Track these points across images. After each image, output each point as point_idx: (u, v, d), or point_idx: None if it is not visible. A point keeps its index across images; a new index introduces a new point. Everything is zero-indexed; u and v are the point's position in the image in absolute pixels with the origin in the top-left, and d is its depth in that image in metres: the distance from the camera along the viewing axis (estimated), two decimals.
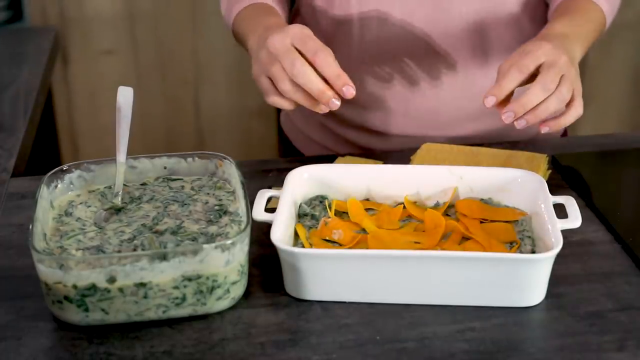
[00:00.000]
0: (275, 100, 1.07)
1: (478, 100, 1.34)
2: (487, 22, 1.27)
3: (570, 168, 1.21)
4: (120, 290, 0.89)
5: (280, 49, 1.04)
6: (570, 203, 1.02)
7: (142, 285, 0.90)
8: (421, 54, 1.28)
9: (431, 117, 1.32)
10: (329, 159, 1.25)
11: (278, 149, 2.70)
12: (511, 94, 1.05)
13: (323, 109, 1.04)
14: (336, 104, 1.03)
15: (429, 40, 1.27)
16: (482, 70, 1.30)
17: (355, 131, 1.36)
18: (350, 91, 1.02)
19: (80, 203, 1.04)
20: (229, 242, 0.91)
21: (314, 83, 1.02)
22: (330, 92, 1.02)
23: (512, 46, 1.28)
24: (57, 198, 1.03)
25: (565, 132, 1.46)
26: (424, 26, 1.26)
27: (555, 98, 1.03)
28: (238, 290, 0.94)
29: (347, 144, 1.38)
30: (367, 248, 0.98)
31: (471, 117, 1.33)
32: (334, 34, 1.30)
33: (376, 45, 1.28)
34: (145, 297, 0.90)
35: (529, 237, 1.00)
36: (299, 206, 1.05)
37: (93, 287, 0.89)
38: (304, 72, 1.02)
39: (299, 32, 1.05)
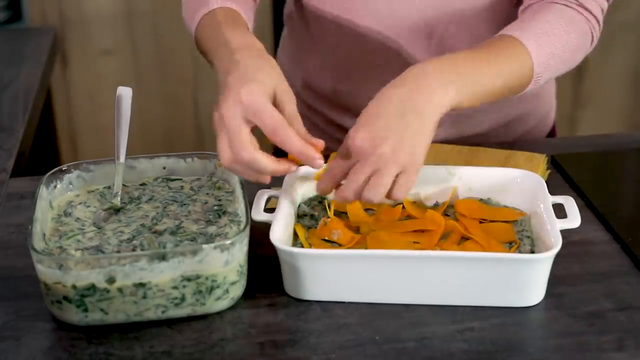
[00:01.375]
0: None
1: None
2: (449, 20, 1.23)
3: (570, 168, 1.21)
4: (120, 290, 0.89)
5: (228, 125, 0.92)
6: (570, 203, 1.02)
7: (141, 285, 0.89)
8: (396, 58, 1.27)
9: None
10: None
11: (277, 149, 2.72)
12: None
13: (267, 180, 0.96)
14: (294, 170, 0.96)
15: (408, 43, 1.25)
16: None
17: (340, 129, 1.36)
18: (318, 163, 0.94)
19: (80, 203, 1.04)
20: (228, 242, 0.91)
21: (265, 169, 0.93)
22: (279, 170, 0.95)
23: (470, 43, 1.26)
24: (56, 198, 1.03)
25: (553, 129, 1.45)
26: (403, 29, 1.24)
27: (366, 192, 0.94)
28: (237, 291, 0.94)
29: (334, 141, 1.38)
30: (367, 248, 0.97)
31: (471, 115, 1.33)
32: (338, 40, 1.30)
33: (361, 52, 1.28)
34: (144, 297, 0.90)
35: (528, 237, 1.00)
36: (298, 206, 1.05)
37: (92, 287, 0.89)
38: (252, 161, 0.92)
39: (252, 103, 0.92)
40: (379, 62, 1.27)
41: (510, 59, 1.02)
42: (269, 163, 0.93)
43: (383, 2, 1.23)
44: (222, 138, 0.93)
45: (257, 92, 0.92)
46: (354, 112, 1.08)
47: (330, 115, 1.37)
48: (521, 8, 1.15)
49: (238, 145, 0.92)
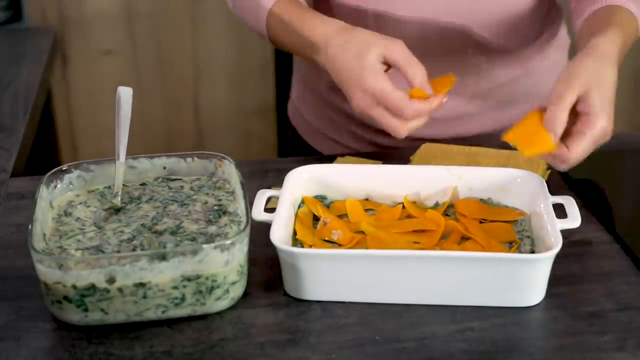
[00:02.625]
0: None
1: (477, 99, 1.34)
2: (491, 22, 1.27)
3: (570, 168, 1.21)
4: (120, 290, 0.89)
5: (377, 92, 1.06)
6: (570, 203, 1.02)
7: (141, 285, 0.89)
8: (427, 53, 1.28)
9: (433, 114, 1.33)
10: (329, 159, 1.25)
11: (277, 149, 2.72)
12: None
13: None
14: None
15: (440, 39, 1.27)
16: (479, 71, 1.30)
17: (362, 127, 1.36)
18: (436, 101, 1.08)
19: (80, 203, 1.04)
20: (228, 242, 0.91)
21: (426, 111, 1.07)
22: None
23: (509, 48, 1.28)
24: (56, 198, 1.03)
25: None
26: (437, 24, 1.26)
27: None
28: (237, 291, 0.94)
29: (355, 138, 1.38)
30: (367, 248, 0.97)
31: (471, 115, 1.33)
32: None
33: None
34: (144, 297, 0.90)
35: (529, 237, 1.00)
36: (299, 206, 1.05)
37: (92, 287, 0.89)
38: (415, 110, 1.06)
39: (378, 91, 1.06)
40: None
41: (629, 24, 1.16)
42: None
43: None
44: (377, 110, 1.07)
45: (379, 80, 1.06)
46: None
47: (358, 115, 1.36)
48: None
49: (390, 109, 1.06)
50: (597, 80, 1.03)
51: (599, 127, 1.02)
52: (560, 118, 1.01)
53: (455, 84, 1.18)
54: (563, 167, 1.04)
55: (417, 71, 1.07)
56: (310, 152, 1.43)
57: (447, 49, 1.28)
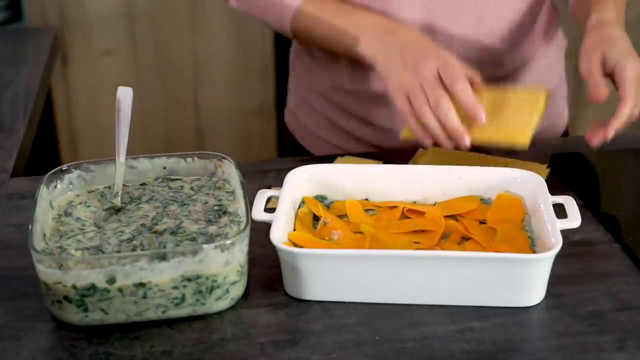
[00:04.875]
0: (415, 128, 1.11)
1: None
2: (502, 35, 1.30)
3: (570, 168, 1.21)
4: (120, 290, 0.89)
5: (427, 77, 1.09)
6: (570, 203, 1.01)
7: (141, 285, 0.90)
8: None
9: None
10: (329, 159, 1.25)
11: (277, 149, 2.72)
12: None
13: (448, 145, 1.10)
14: (466, 144, 1.09)
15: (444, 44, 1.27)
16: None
17: (362, 127, 1.36)
18: (482, 118, 1.08)
19: (80, 203, 1.04)
20: (228, 242, 0.91)
21: (454, 121, 1.08)
22: (462, 131, 1.08)
23: (512, 50, 1.30)
24: (56, 198, 1.03)
25: (566, 132, 1.46)
26: (442, 29, 1.27)
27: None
28: (237, 291, 0.94)
29: (354, 140, 1.38)
30: (367, 248, 0.97)
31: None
32: None
33: None
34: (144, 297, 0.90)
35: (529, 237, 1.00)
36: (299, 206, 1.05)
37: (92, 287, 0.89)
38: (447, 110, 1.07)
39: (444, 58, 1.10)
40: None
41: None
42: (457, 118, 1.08)
43: None
44: (420, 97, 1.09)
45: (441, 51, 1.12)
46: (361, 97, 1.21)
47: (360, 113, 1.36)
48: None
49: (437, 99, 1.08)
50: (608, 41, 1.13)
51: (632, 67, 1.10)
52: (595, 71, 1.11)
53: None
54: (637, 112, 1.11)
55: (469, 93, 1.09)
56: (305, 155, 1.43)
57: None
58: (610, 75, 1.12)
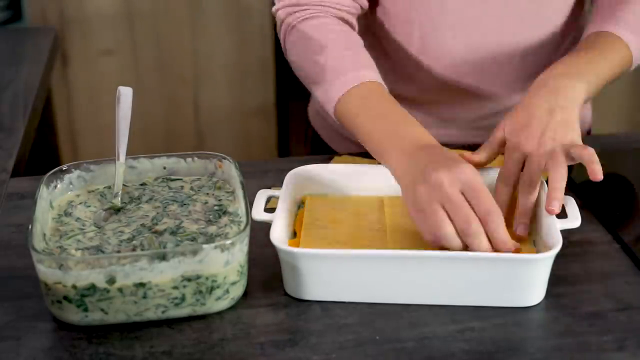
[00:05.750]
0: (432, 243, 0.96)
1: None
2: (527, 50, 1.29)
3: (570, 168, 1.21)
4: (120, 290, 0.89)
5: (450, 195, 0.93)
6: (570, 203, 1.01)
7: (141, 285, 0.90)
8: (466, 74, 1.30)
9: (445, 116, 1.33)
10: (328, 158, 1.25)
11: (277, 149, 2.72)
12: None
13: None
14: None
15: (486, 59, 1.28)
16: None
17: None
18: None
19: (80, 203, 1.04)
20: (228, 242, 0.91)
21: (484, 248, 0.93)
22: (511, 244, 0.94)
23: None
24: (56, 198, 1.03)
25: (589, 131, 1.45)
26: (484, 45, 1.27)
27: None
28: (237, 291, 0.94)
29: None
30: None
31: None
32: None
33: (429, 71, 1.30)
34: (144, 297, 0.90)
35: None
36: (299, 207, 1.05)
37: (92, 288, 0.89)
38: (478, 235, 0.92)
39: (472, 179, 0.94)
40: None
41: (614, 52, 1.16)
42: (488, 245, 0.94)
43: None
44: (441, 215, 0.93)
45: (472, 171, 0.95)
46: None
47: None
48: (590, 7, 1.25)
49: (467, 221, 0.92)
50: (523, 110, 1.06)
51: (504, 124, 1.06)
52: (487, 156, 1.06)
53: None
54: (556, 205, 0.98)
55: (500, 224, 0.94)
56: (329, 152, 1.43)
57: (492, 70, 1.29)
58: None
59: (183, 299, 0.91)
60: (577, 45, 1.19)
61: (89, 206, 1.03)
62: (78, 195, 1.05)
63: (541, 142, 1.03)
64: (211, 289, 0.92)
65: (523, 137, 1.04)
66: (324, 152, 1.44)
